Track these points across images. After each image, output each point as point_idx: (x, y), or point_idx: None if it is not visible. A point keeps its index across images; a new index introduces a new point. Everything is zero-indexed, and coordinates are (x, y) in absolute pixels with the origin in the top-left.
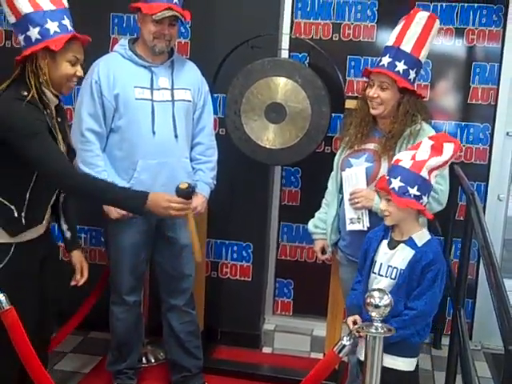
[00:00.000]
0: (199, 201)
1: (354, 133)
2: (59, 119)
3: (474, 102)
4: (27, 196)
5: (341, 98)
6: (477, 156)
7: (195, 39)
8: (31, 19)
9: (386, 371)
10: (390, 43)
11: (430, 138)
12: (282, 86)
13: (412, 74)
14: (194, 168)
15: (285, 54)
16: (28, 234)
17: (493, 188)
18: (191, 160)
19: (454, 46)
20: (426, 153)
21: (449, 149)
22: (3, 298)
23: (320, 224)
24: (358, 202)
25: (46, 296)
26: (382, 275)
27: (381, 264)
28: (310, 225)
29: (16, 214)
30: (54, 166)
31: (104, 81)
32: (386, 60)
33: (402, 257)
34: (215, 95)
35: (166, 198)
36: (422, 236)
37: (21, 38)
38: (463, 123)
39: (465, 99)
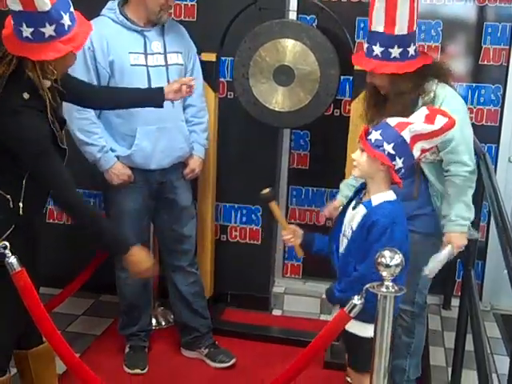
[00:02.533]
0: (196, 163)
1: (371, 110)
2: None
3: (485, 62)
4: (23, 185)
5: (350, 60)
6: (488, 117)
7: (202, 1)
8: (50, 16)
9: (345, 333)
10: (369, 28)
11: (428, 108)
12: (291, 49)
13: (395, 52)
14: (187, 130)
15: (293, 15)
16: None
17: (504, 150)
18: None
19: (465, 6)
20: (416, 118)
21: (440, 121)
22: (14, 260)
23: (345, 189)
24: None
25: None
26: (345, 236)
27: (345, 225)
28: (342, 183)
29: (12, 205)
30: (56, 186)
31: (98, 47)
32: (365, 46)
33: (358, 217)
34: (223, 58)
35: (148, 260)
36: (381, 197)
37: (27, 29)
38: (474, 85)
39: (476, 60)
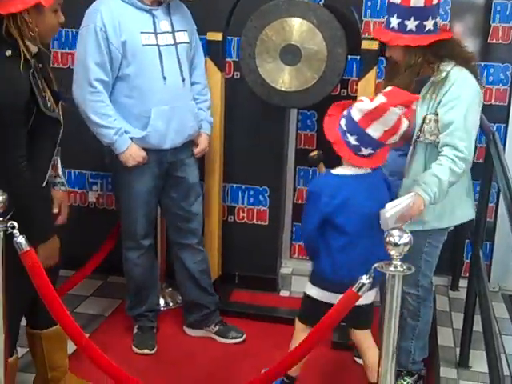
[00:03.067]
0: (206, 140)
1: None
2: (40, 65)
3: (494, 41)
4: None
5: (357, 39)
6: (496, 97)
7: None
8: None
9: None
10: None
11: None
12: (298, 28)
13: (411, 25)
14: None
15: None
16: None
17: None
18: None
19: None
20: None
21: (378, 100)
22: (23, 239)
23: None
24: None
25: None
26: None
27: None
28: None
29: None
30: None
31: (110, 27)
32: (385, 18)
33: None
34: (229, 38)
35: (57, 253)
36: (334, 170)
37: None
38: (483, 63)
39: (484, 39)
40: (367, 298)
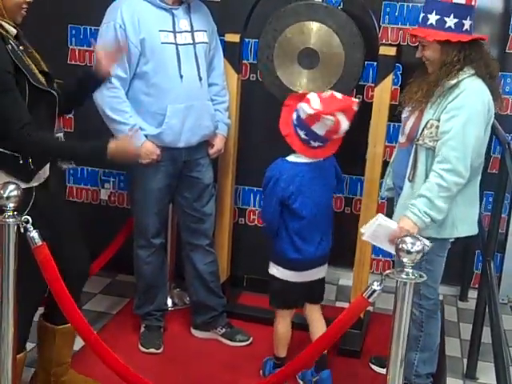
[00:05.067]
0: (222, 141)
1: (413, 86)
2: (21, 47)
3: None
4: None
5: (375, 44)
6: None
7: None
8: None
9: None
10: None
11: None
12: (316, 31)
13: (450, 22)
14: None
15: None
16: (42, 175)
17: None
18: None
19: None
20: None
21: (316, 104)
22: (36, 234)
23: None
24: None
25: (71, 230)
26: None
27: None
28: None
29: (21, 161)
30: (16, 125)
31: (129, 25)
32: (421, 16)
33: None
34: (246, 40)
35: (130, 144)
36: (288, 157)
37: None
38: (500, 73)
39: (503, 48)
40: (319, 272)
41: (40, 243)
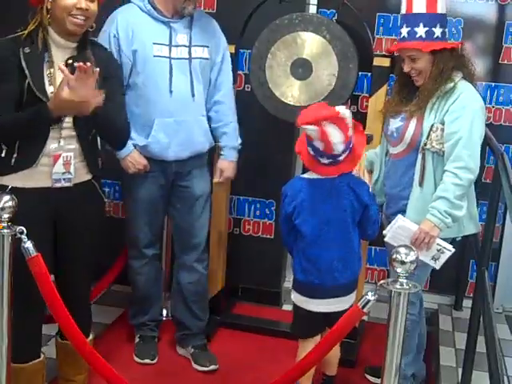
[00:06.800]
0: (230, 168)
1: (397, 98)
2: (70, 61)
3: (505, 62)
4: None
5: (369, 56)
6: (506, 117)
7: None
8: None
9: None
10: (403, 11)
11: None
12: (310, 42)
13: (437, 31)
14: (216, 131)
15: (313, 9)
16: (33, 181)
17: None
18: (211, 121)
19: (486, 4)
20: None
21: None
22: (30, 245)
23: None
24: (427, 243)
25: (69, 252)
26: None
27: None
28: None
29: (3, 154)
30: None
31: (123, 35)
32: (404, 31)
33: None
34: (241, 51)
35: (72, 91)
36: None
37: None
38: (493, 84)
39: (496, 59)
40: (339, 304)
41: (34, 254)
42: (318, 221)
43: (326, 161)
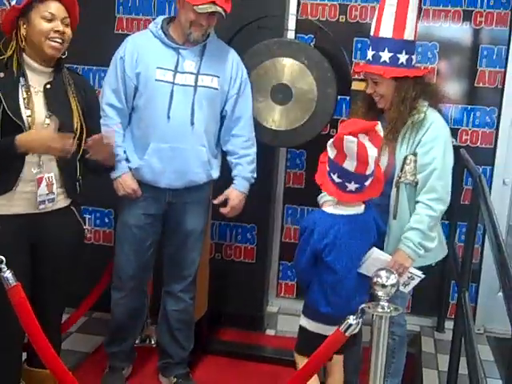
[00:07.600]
0: (238, 198)
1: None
2: (48, 86)
3: (480, 85)
4: None
5: (347, 80)
6: (483, 140)
7: None
8: None
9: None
10: (371, 33)
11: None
12: (289, 67)
13: (402, 58)
14: (231, 163)
15: (291, 35)
16: (12, 208)
17: (498, 172)
18: (228, 154)
19: (461, 28)
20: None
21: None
22: (10, 274)
23: None
24: (400, 272)
25: (45, 277)
26: None
27: None
28: None
29: None
30: None
31: (128, 58)
32: (370, 53)
33: None
34: None
35: (42, 133)
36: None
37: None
38: (469, 107)
39: (471, 82)
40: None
41: (14, 284)
42: (349, 257)
43: (352, 187)
